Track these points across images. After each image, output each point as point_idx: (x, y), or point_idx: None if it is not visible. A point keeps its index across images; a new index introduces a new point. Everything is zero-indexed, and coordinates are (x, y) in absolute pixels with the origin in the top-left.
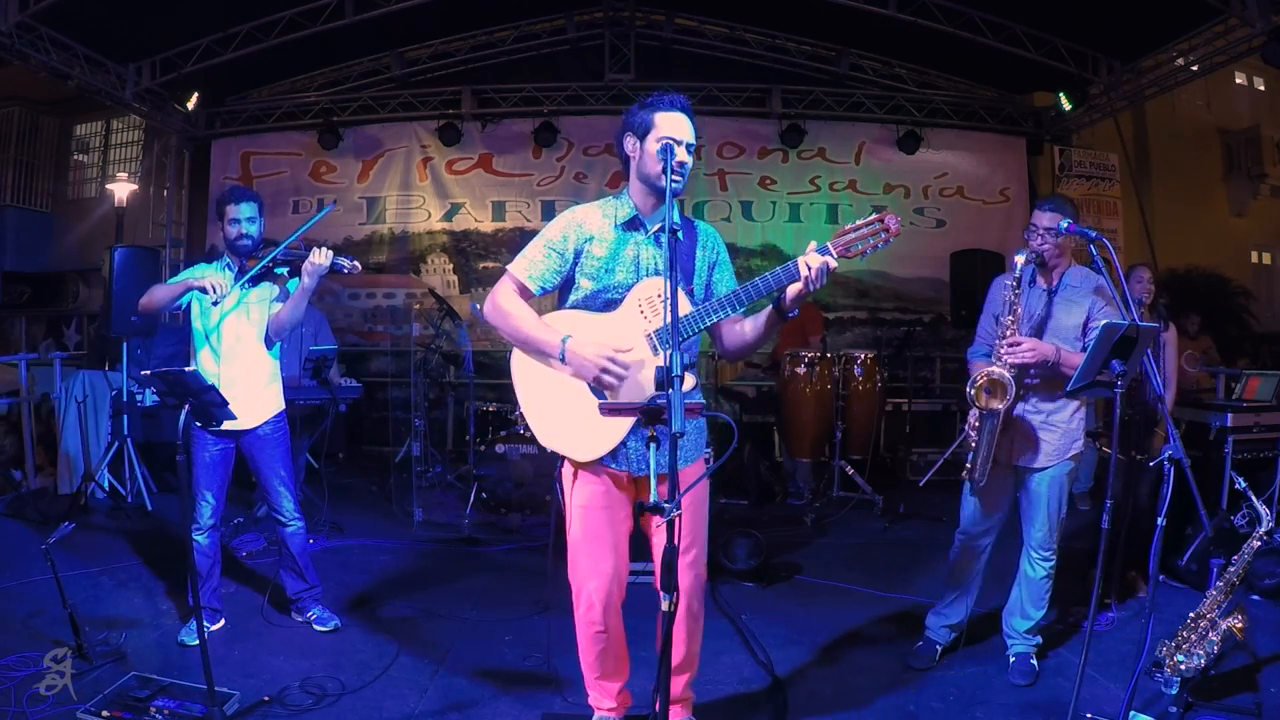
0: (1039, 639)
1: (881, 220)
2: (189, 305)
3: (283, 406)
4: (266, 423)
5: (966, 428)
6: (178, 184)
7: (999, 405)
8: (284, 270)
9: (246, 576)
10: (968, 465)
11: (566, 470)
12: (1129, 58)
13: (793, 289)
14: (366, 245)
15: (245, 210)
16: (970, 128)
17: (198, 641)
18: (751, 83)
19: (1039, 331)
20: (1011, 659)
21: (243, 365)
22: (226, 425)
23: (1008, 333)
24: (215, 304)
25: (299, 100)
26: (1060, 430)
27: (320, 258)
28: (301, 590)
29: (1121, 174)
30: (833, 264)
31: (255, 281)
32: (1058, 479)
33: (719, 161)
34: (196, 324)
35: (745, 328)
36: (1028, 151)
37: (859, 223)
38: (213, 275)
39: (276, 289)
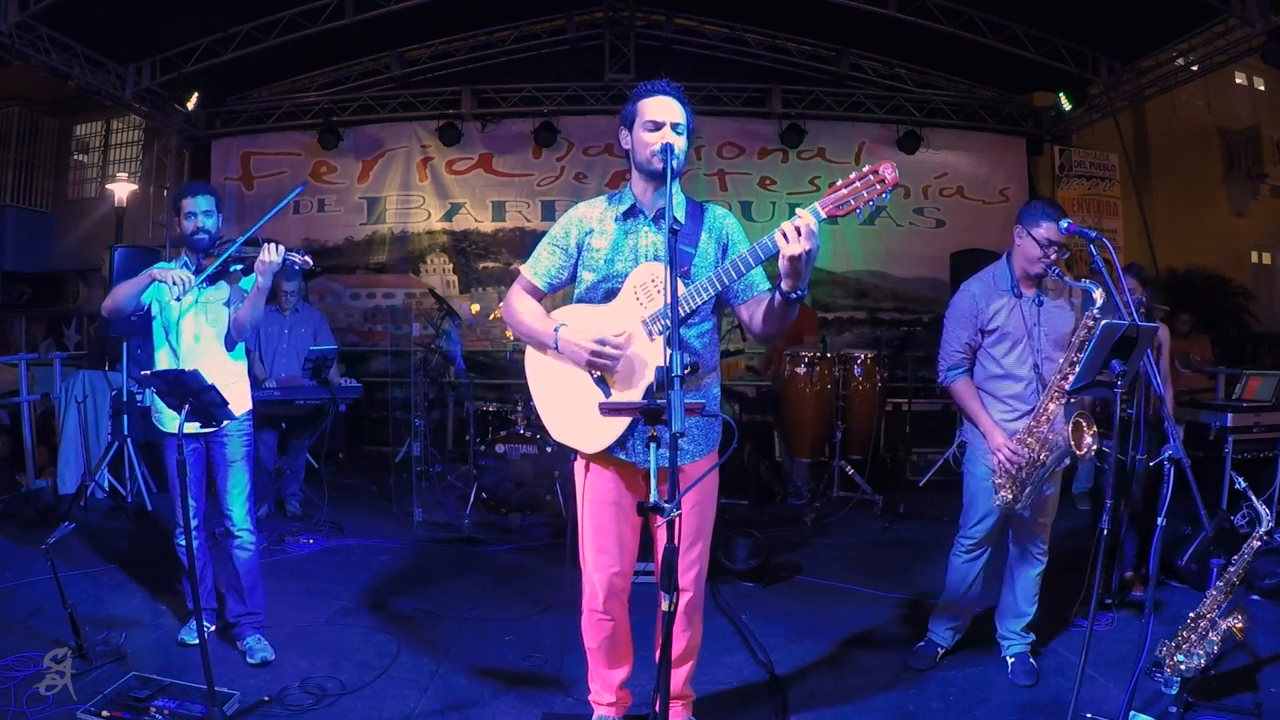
0: (1032, 635)
1: (876, 171)
2: (149, 306)
3: (249, 407)
4: (232, 422)
5: (1003, 462)
6: (178, 184)
7: (1084, 450)
8: (238, 268)
9: None
10: (1009, 495)
11: (579, 464)
12: (1129, 58)
13: (782, 264)
14: (367, 245)
15: (201, 203)
16: (970, 128)
17: (198, 641)
18: (751, 83)
19: (1035, 339)
20: (1011, 660)
21: (203, 366)
22: (190, 428)
23: (1070, 370)
24: (177, 300)
25: (299, 100)
26: (1063, 435)
27: (271, 254)
28: (241, 614)
29: (1121, 174)
30: (810, 223)
31: (213, 279)
32: (1059, 478)
33: (719, 161)
34: (156, 322)
35: (759, 312)
36: (1028, 151)
37: (851, 176)
38: (175, 270)
39: (229, 289)
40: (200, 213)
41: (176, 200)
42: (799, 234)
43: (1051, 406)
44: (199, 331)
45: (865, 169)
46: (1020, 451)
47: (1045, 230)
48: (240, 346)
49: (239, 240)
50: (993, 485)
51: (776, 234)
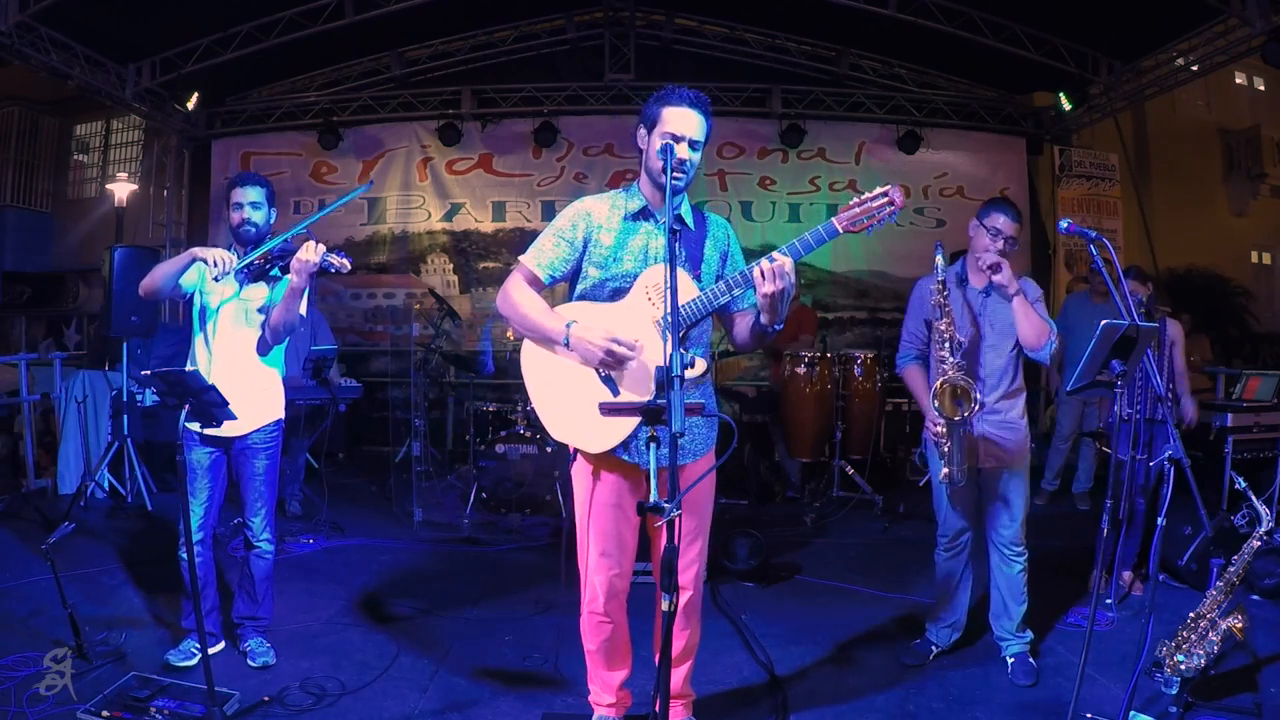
0: (1030, 633)
1: (886, 193)
2: (192, 295)
3: (279, 416)
4: (257, 430)
5: (930, 436)
6: (178, 184)
7: (968, 412)
8: (277, 270)
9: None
10: (945, 471)
11: (581, 465)
12: (1129, 58)
13: (758, 299)
14: (367, 245)
15: (250, 194)
16: (970, 128)
17: (185, 664)
18: (751, 83)
19: (978, 328)
20: (1010, 660)
21: (234, 363)
22: (210, 431)
23: (945, 338)
24: (216, 280)
25: (299, 100)
26: (1017, 428)
27: (309, 253)
28: (246, 616)
29: (1121, 174)
30: (784, 264)
31: (253, 273)
32: (1022, 475)
33: (719, 162)
34: (194, 310)
35: (745, 324)
36: (1028, 151)
37: (864, 196)
38: (218, 250)
39: (269, 290)
40: (248, 204)
41: (227, 190)
42: (773, 275)
43: (935, 383)
44: (234, 327)
45: (877, 190)
46: (938, 423)
47: (997, 220)
48: (277, 353)
49: (287, 234)
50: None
51: (753, 270)
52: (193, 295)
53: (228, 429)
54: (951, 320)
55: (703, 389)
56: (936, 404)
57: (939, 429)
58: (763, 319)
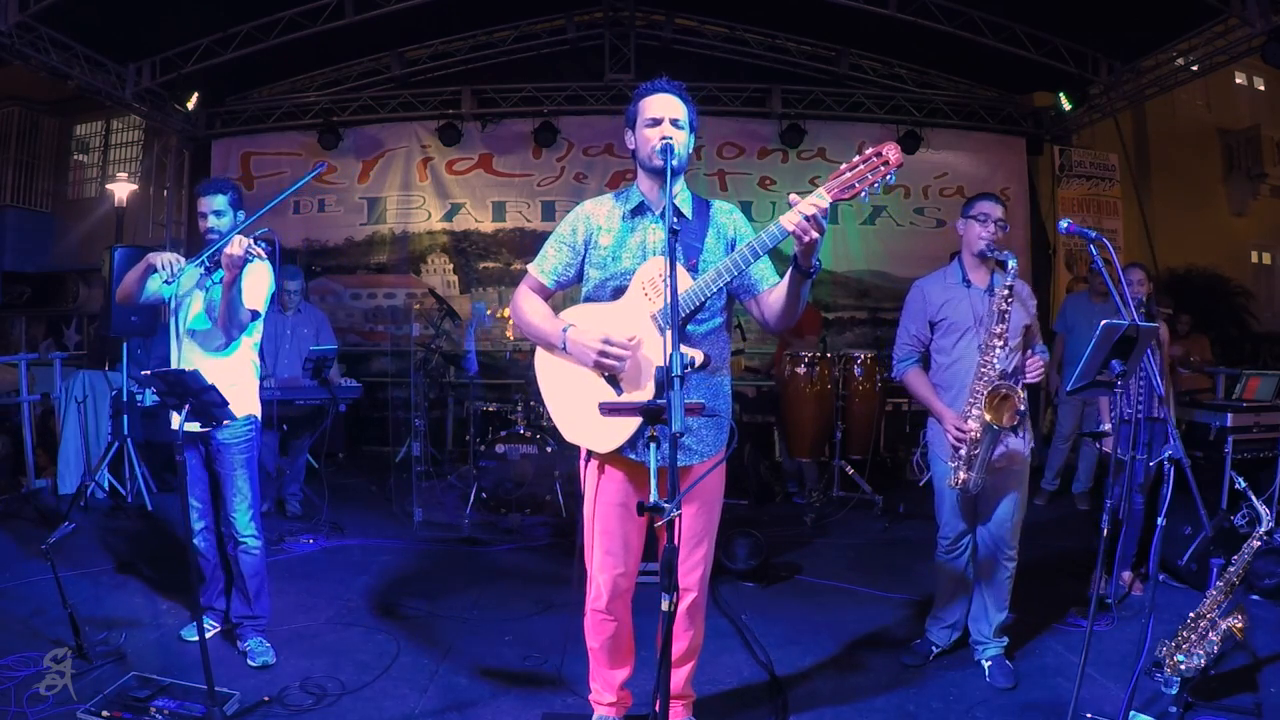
0: (1006, 639)
1: (880, 152)
2: (170, 298)
3: (249, 412)
4: (225, 428)
5: (949, 440)
6: (178, 184)
7: (1013, 420)
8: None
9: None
10: (961, 476)
11: (590, 465)
12: (1129, 58)
13: (796, 245)
14: (367, 245)
15: (214, 202)
16: (970, 128)
17: (197, 638)
18: (751, 83)
19: (986, 327)
20: (987, 664)
21: (196, 361)
22: (185, 428)
23: (999, 343)
24: (168, 283)
25: (299, 100)
26: (1022, 424)
27: (235, 247)
28: (244, 616)
29: (1121, 174)
30: (822, 206)
31: (210, 269)
32: (1024, 473)
33: (719, 162)
34: (171, 309)
35: (774, 297)
36: (1028, 151)
37: (855, 159)
38: (167, 254)
39: (206, 290)
40: (210, 212)
41: (195, 197)
42: (816, 220)
43: (979, 386)
44: (197, 325)
45: (869, 150)
46: (966, 428)
47: (982, 206)
48: (235, 347)
49: (235, 230)
50: (950, 469)
51: (786, 222)
52: (169, 301)
53: (197, 424)
54: (1007, 326)
55: (711, 388)
56: (983, 411)
57: (970, 434)
58: (800, 262)
